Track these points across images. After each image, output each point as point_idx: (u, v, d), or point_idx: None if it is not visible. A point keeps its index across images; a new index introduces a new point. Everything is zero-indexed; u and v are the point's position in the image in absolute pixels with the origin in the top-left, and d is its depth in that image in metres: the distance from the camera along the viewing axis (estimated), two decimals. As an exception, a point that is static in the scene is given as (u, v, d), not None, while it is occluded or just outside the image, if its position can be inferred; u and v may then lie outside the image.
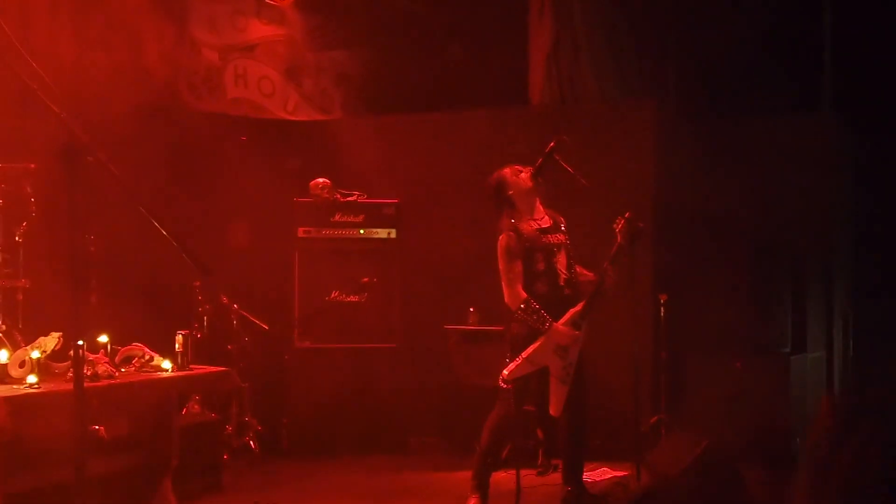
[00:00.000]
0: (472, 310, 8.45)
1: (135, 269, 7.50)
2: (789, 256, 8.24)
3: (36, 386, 5.14)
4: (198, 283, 7.63)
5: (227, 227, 8.59)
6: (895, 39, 8.66)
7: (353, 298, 8.42)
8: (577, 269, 6.51)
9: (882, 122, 8.83)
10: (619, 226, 6.34)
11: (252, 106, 9.20)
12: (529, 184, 6.41)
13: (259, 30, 9.28)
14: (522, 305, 6.20)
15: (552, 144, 6.45)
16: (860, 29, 8.85)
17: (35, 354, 5.29)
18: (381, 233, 8.50)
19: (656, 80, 9.08)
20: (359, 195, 8.52)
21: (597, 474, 7.44)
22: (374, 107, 9.51)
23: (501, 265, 6.31)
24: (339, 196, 8.44)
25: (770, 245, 8.19)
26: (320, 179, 8.43)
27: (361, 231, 8.47)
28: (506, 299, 6.30)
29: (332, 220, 8.44)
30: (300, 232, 8.41)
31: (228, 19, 9.08)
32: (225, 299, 7.93)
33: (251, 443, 7.94)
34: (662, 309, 7.95)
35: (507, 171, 6.48)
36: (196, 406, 7.22)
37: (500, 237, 6.34)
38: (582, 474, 6.70)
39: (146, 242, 7.45)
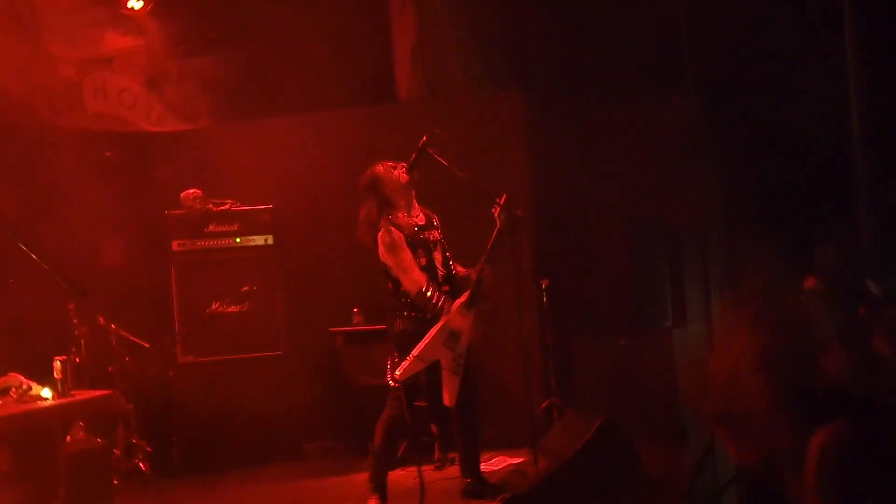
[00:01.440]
0: (355, 310, 8.40)
1: (2, 296, 7.25)
2: (664, 233, 8.41)
3: None
4: (72, 306, 7.37)
5: (98, 245, 8.36)
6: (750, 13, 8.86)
7: (234, 308, 8.26)
8: (454, 266, 6.52)
9: (741, 96, 9.02)
10: (497, 211, 6.35)
11: (114, 119, 8.94)
12: (404, 179, 6.40)
13: (116, 41, 9.01)
14: (423, 289, 6.19)
15: (424, 139, 6.44)
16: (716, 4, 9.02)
17: None
18: (258, 240, 8.35)
19: (523, 68, 9.11)
20: (232, 203, 8.36)
21: (494, 463, 7.47)
22: (240, 112, 9.33)
23: (390, 259, 6.27)
24: (211, 206, 8.27)
25: (645, 223, 8.35)
26: (191, 190, 8.25)
27: (238, 239, 8.31)
28: (405, 286, 6.26)
29: (206, 230, 8.25)
30: (174, 245, 8.20)
31: (83, 32, 8.78)
32: (102, 320, 7.70)
33: (141, 465, 7.73)
34: (545, 294, 8.01)
35: (380, 167, 6.45)
36: (80, 433, 6.94)
37: (380, 234, 6.30)
38: (479, 464, 6.73)
39: (11, 267, 7.29)
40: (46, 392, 5.65)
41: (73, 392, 5.87)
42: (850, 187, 8.07)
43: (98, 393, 6.10)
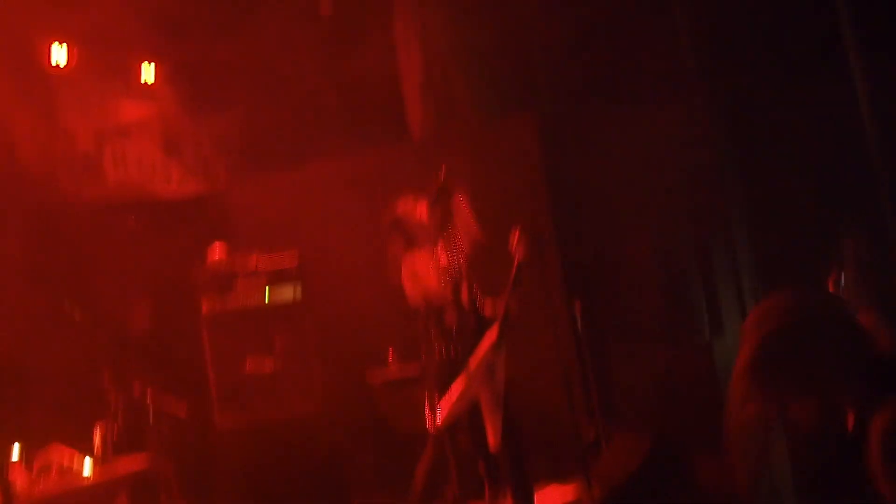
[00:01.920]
0: (390, 350, 8.34)
1: (40, 368, 7.28)
2: (694, 245, 8.33)
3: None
4: (108, 374, 7.38)
5: (129, 313, 8.38)
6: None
7: (269, 365, 8.18)
8: (480, 299, 6.47)
9: (753, 102, 8.96)
10: (514, 243, 6.30)
11: (135, 187, 9.01)
12: (426, 217, 6.38)
13: (131, 110, 9.09)
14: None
15: (442, 176, 6.44)
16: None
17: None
18: (287, 292, 8.30)
19: (530, 92, 9.12)
20: (258, 258, 8.35)
21: (546, 494, 7.37)
22: (259, 168, 9.38)
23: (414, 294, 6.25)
24: (237, 260, 8.27)
25: (672, 235, 8.27)
26: (215, 245, 8.28)
27: (267, 293, 8.28)
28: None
29: (234, 287, 8.23)
30: (204, 308, 8.16)
31: (99, 104, 8.88)
32: (137, 389, 7.68)
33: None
34: (579, 317, 7.93)
35: (404, 206, 6.42)
36: (124, 499, 6.97)
37: (402, 275, 6.30)
38: (532, 494, 6.63)
39: (48, 338, 7.35)
40: (87, 466, 5.62)
41: (112, 459, 5.85)
42: (871, 183, 7.96)
43: (138, 460, 6.08)
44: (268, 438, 8.02)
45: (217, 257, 8.25)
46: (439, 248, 6.45)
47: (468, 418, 6.42)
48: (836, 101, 8.26)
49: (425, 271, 6.27)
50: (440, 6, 9.17)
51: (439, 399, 6.16)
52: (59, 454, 5.59)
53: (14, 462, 5.35)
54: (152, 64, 9.08)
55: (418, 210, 6.44)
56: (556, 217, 8.19)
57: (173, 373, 8.17)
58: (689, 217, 8.39)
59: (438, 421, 6.10)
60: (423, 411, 6.44)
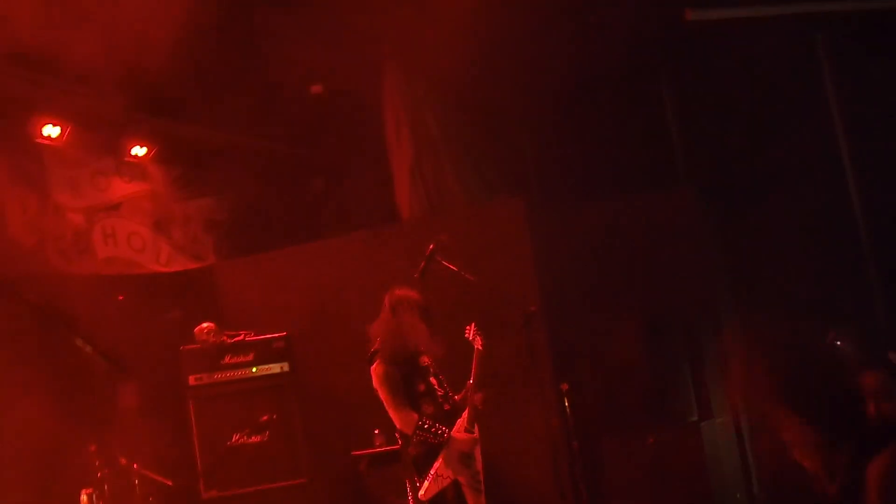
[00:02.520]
0: (377, 432, 8.32)
1: (23, 440, 7.22)
2: (680, 326, 8.40)
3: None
4: (93, 448, 7.31)
5: (115, 387, 8.35)
6: (737, 112, 9.07)
7: (254, 439, 8.17)
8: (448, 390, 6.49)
9: (734, 189, 9.17)
10: (470, 333, 6.35)
11: (125, 263, 9.06)
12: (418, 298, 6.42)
13: (122, 188, 9.22)
14: (418, 424, 6.14)
15: (432, 246, 6.53)
16: (702, 105, 9.25)
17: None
18: (275, 368, 8.33)
19: (517, 177, 9.28)
20: (246, 334, 8.39)
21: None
22: (247, 248, 9.46)
23: (382, 393, 6.26)
24: (225, 338, 8.29)
25: (659, 317, 8.35)
26: (205, 324, 8.29)
27: (254, 369, 8.30)
28: (398, 426, 6.24)
29: (222, 362, 8.25)
30: (191, 380, 8.19)
31: (90, 181, 9.00)
32: (123, 460, 7.61)
33: None
34: (566, 398, 7.95)
35: (400, 293, 6.44)
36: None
37: (374, 366, 6.31)
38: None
39: (30, 410, 7.30)
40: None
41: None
42: (858, 260, 8.11)
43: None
44: (253, 510, 7.97)
45: (205, 334, 8.25)
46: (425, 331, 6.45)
47: (454, 496, 6.38)
48: (827, 198, 8.47)
49: (391, 369, 6.26)
50: (430, 90, 9.35)
51: (420, 479, 6.15)
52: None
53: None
54: (143, 145, 9.22)
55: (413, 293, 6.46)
56: (544, 299, 8.25)
57: (160, 445, 8.13)
58: (676, 300, 8.48)
59: (422, 496, 6.07)
60: (407, 490, 6.41)
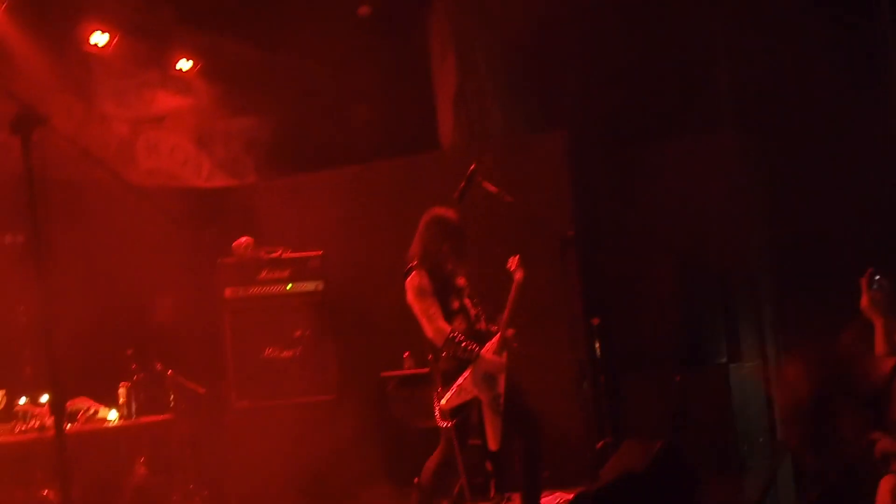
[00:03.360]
0: (406, 355, 8.43)
1: (64, 340, 7.33)
2: (714, 269, 8.40)
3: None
4: (130, 351, 7.46)
5: (154, 294, 8.48)
6: (784, 55, 8.99)
7: (287, 354, 8.34)
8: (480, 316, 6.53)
9: (779, 134, 9.11)
10: (513, 265, 6.38)
11: (166, 175, 9.16)
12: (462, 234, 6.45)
13: (167, 101, 9.28)
14: (450, 338, 6.18)
15: (473, 167, 6.54)
16: (753, 45, 9.16)
17: (-24, 413, 5.16)
18: (309, 286, 8.46)
19: (561, 111, 9.25)
20: (283, 251, 8.48)
21: (552, 500, 7.40)
22: (287, 168, 9.51)
23: (417, 305, 6.25)
24: (263, 253, 8.39)
25: (695, 260, 8.35)
26: (243, 239, 8.39)
27: (289, 286, 8.42)
28: (429, 335, 6.24)
29: (258, 277, 8.39)
30: (227, 293, 8.33)
31: (136, 92, 9.06)
32: (159, 366, 7.76)
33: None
34: (596, 333, 8.00)
35: (449, 212, 6.47)
36: (142, 468, 7.03)
37: (410, 278, 6.32)
38: (540, 497, 6.65)
39: (74, 311, 7.43)
40: (112, 414, 5.71)
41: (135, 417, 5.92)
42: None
43: (161, 417, 6.15)
44: (280, 421, 8.11)
45: (243, 248, 8.35)
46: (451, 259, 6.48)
47: (478, 418, 6.45)
48: (872, 141, 8.40)
49: (427, 281, 6.29)
50: (477, 19, 9.32)
51: (444, 393, 6.21)
52: (85, 404, 5.66)
53: (42, 404, 5.42)
54: (189, 59, 9.28)
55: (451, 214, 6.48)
56: (580, 234, 8.26)
57: (194, 355, 8.29)
58: (712, 243, 8.47)
59: (443, 405, 6.13)
60: (435, 410, 6.47)
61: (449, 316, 6.28)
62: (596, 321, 8.02)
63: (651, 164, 8.67)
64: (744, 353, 8.35)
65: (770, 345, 8.89)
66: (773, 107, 9.09)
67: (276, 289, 8.41)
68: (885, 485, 4.45)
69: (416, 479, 6.48)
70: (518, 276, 6.34)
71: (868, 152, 8.49)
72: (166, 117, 9.29)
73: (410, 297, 6.29)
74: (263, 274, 8.40)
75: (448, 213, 6.47)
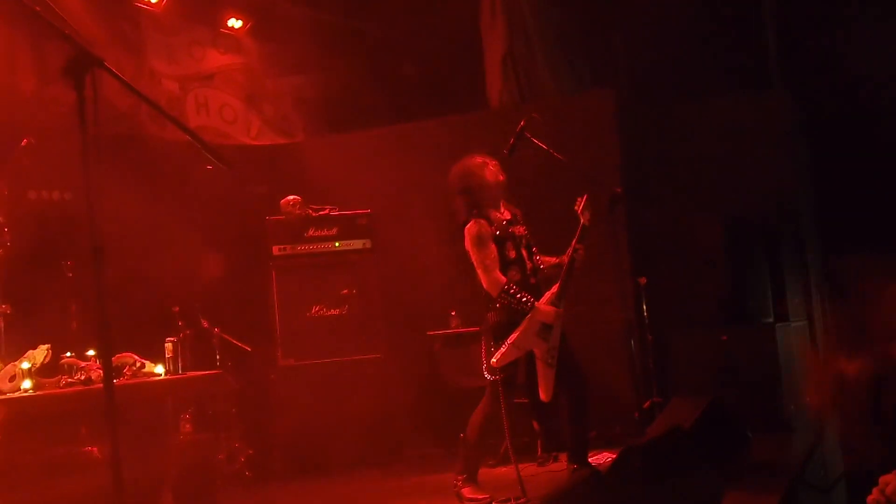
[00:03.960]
0: (453, 313, 8.45)
1: (111, 297, 7.41)
2: (762, 228, 8.32)
3: (30, 391, 5.05)
4: (177, 309, 7.51)
5: (201, 251, 8.54)
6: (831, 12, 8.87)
7: (334, 312, 8.37)
8: (540, 258, 6.51)
9: (827, 92, 9.00)
10: (580, 206, 6.36)
11: (215, 133, 9.19)
12: (498, 178, 6.42)
13: (216, 59, 9.32)
14: (505, 288, 6.17)
15: (523, 123, 6.52)
16: (800, 5, 9.05)
17: (25, 365, 5.22)
18: (357, 244, 8.48)
19: (608, 72, 9.19)
20: (330, 209, 8.51)
21: (599, 459, 7.39)
22: (335, 127, 9.53)
23: (475, 253, 6.24)
24: (310, 211, 8.42)
25: (742, 218, 8.28)
26: (291, 197, 8.42)
27: (336, 244, 8.44)
28: (485, 285, 6.23)
29: (306, 235, 8.41)
30: (275, 250, 8.36)
31: (186, 50, 9.10)
32: (205, 323, 7.84)
33: (245, 470, 7.83)
34: (643, 292, 7.97)
35: (475, 161, 6.47)
36: (188, 425, 7.10)
37: (469, 225, 6.29)
38: (587, 452, 6.64)
39: (122, 268, 7.49)
40: (159, 369, 5.77)
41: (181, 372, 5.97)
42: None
43: (208, 372, 6.20)
44: (326, 379, 8.18)
45: (290, 206, 8.38)
46: (502, 208, 6.47)
47: (526, 375, 6.45)
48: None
49: (487, 227, 6.27)
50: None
51: (497, 346, 6.20)
52: (131, 359, 5.72)
53: (88, 358, 5.48)
54: (239, 18, 9.31)
55: (488, 169, 6.45)
56: (628, 193, 8.21)
57: (241, 313, 8.35)
58: (760, 203, 8.39)
59: (494, 363, 6.14)
60: (481, 369, 6.47)
61: (505, 264, 6.27)
62: (643, 280, 7.98)
63: (698, 121, 8.62)
64: (791, 313, 8.27)
65: (817, 304, 8.81)
66: (820, 63, 8.97)
67: (323, 247, 8.43)
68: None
69: (461, 435, 6.52)
70: (584, 217, 6.31)
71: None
72: (216, 75, 9.32)
73: (468, 244, 6.28)
74: (311, 232, 8.42)
75: (464, 162, 6.47)
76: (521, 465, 6.35)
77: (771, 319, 8.08)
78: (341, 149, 9.06)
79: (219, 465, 7.55)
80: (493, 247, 6.25)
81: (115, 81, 8.19)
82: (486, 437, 6.43)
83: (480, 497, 6.31)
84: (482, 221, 6.28)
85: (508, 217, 6.45)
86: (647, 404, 7.82)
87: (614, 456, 7.39)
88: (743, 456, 6.24)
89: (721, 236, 8.26)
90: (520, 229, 6.46)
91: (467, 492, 6.36)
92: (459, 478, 6.42)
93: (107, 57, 7.71)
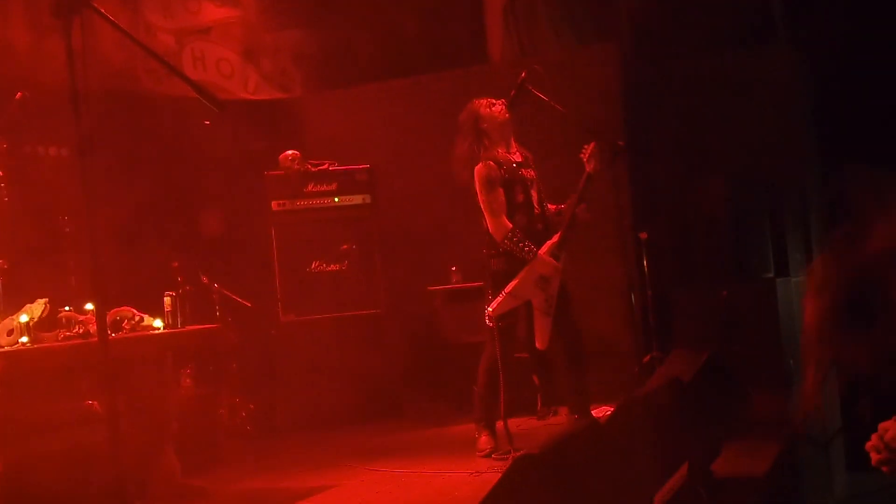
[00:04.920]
0: (453, 269, 8.42)
1: (109, 252, 7.38)
2: (763, 184, 8.28)
3: (28, 345, 5.04)
4: (176, 264, 7.48)
5: (199, 207, 8.51)
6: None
7: (333, 267, 8.35)
8: (548, 206, 6.49)
9: (834, 49, 8.90)
10: (587, 154, 6.33)
11: (212, 87, 9.02)
12: (505, 115, 6.39)
13: (213, 12, 9.21)
14: (509, 235, 6.16)
15: (524, 74, 6.48)
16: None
17: (23, 318, 5.19)
18: (356, 199, 8.44)
19: (611, 25, 9.09)
20: (330, 164, 8.46)
21: (599, 412, 7.39)
22: (334, 82, 9.45)
23: (483, 195, 6.24)
24: (309, 166, 8.37)
25: (743, 174, 8.23)
26: (290, 151, 8.37)
27: (336, 199, 8.41)
28: (490, 229, 6.25)
29: (305, 190, 8.37)
30: (274, 205, 8.32)
31: (182, 3, 9.00)
32: (205, 279, 7.82)
33: (246, 424, 7.84)
34: (644, 246, 7.94)
35: (481, 102, 6.44)
36: (188, 380, 7.10)
37: (478, 166, 6.28)
38: (588, 401, 6.65)
39: (120, 223, 7.47)
40: (158, 323, 5.75)
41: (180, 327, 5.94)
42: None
43: (207, 326, 6.18)
44: (326, 334, 8.18)
45: (289, 161, 8.33)
46: (511, 148, 6.44)
47: (525, 329, 6.45)
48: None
49: (497, 170, 6.25)
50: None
51: (495, 295, 6.20)
52: (131, 312, 5.69)
53: (87, 311, 5.44)
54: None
55: (496, 108, 6.42)
56: (630, 147, 8.16)
57: (241, 268, 8.33)
58: (762, 159, 8.34)
59: (490, 312, 6.14)
60: (483, 323, 6.48)
61: (512, 207, 6.26)
62: (644, 235, 7.95)
63: (702, 76, 8.53)
64: (791, 268, 8.25)
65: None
66: (826, 21, 8.87)
67: (323, 202, 8.39)
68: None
69: (473, 387, 6.52)
70: (590, 166, 6.29)
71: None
72: (213, 29, 9.22)
73: (477, 186, 6.27)
74: (310, 187, 8.38)
75: (471, 105, 6.44)
76: (521, 420, 6.36)
77: (772, 275, 8.06)
78: (340, 104, 9.01)
79: (220, 419, 7.56)
80: (500, 190, 6.25)
81: (108, 36, 8.17)
82: (494, 386, 6.42)
83: (484, 449, 6.33)
84: (491, 164, 6.27)
85: (519, 159, 6.43)
86: (646, 358, 7.80)
87: (614, 408, 7.42)
88: (742, 410, 6.24)
89: (723, 191, 8.22)
90: (529, 172, 6.45)
91: (481, 442, 6.39)
92: (477, 427, 6.45)
93: (101, 8, 7.64)
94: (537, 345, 6.36)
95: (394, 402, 8.27)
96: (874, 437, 2.86)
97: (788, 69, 8.70)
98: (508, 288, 6.17)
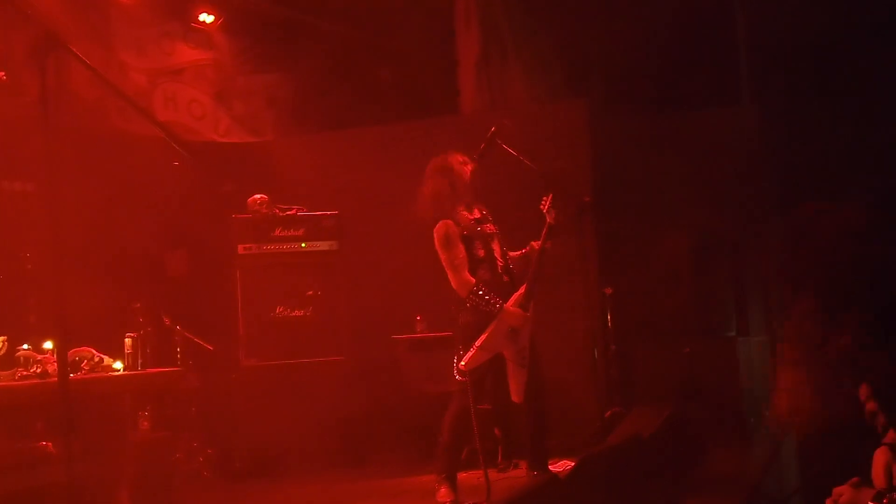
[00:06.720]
0: (418, 318, 8.41)
1: (71, 290, 7.32)
2: (726, 244, 8.39)
3: (-16, 384, 4.98)
4: (138, 305, 7.43)
5: (165, 248, 8.46)
6: (806, 30, 8.91)
7: (298, 313, 8.29)
8: (510, 255, 6.52)
9: (797, 110, 9.05)
10: (546, 205, 6.37)
11: (183, 129, 9.10)
12: (472, 178, 6.43)
13: (186, 54, 9.24)
14: (473, 290, 6.16)
15: (493, 129, 6.51)
16: (773, 23, 9.09)
17: (-20, 357, 5.14)
18: (323, 245, 8.39)
19: (583, 81, 9.20)
20: (298, 209, 8.44)
21: (559, 466, 7.38)
22: (305, 127, 9.48)
23: (443, 253, 6.25)
24: (277, 211, 8.35)
25: (708, 233, 8.33)
26: (258, 196, 8.34)
27: (303, 244, 8.36)
28: (454, 286, 6.24)
29: (272, 234, 8.31)
30: (240, 249, 8.24)
31: (155, 43, 9.03)
32: (167, 320, 7.77)
33: (203, 470, 7.75)
34: (608, 302, 7.99)
35: (456, 157, 6.47)
36: (146, 423, 7.02)
37: (437, 226, 6.29)
38: (548, 459, 6.64)
39: (83, 262, 7.40)
40: (118, 364, 5.69)
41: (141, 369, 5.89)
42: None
43: (169, 369, 6.13)
44: (288, 380, 8.09)
45: (258, 205, 8.31)
46: (472, 207, 6.47)
47: (492, 380, 6.44)
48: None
49: (455, 228, 6.27)
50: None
51: (466, 349, 6.19)
52: (90, 353, 5.64)
53: (45, 351, 5.38)
54: (211, 13, 9.24)
55: (466, 168, 6.46)
56: (597, 202, 8.23)
57: (205, 311, 8.26)
58: (726, 218, 8.45)
59: (463, 366, 6.12)
60: (447, 374, 6.46)
61: (474, 263, 6.26)
62: (609, 291, 8.01)
63: (669, 134, 8.65)
64: (752, 328, 8.34)
65: (778, 321, 8.87)
66: (792, 81, 9.03)
67: (289, 247, 8.35)
68: (878, 458, 4.36)
69: (437, 438, 6.48)
70: (550, 216, 6.32)
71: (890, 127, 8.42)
72: (185, 70, 9.24)
73: (437, 245, 6.27)
74: (278, 231, 8.33)
75: (446, 157, 6.47)
76: (482, 472, 6.31)
77: (733, 333, 8.15)
78: (311, 149, 9.03)
79: (177, 463, 7.48)
80: (461, 247, 6.25)
81: (81, 74, 8.15)
82: (459, 439, 6.39)
83: (444, 501, 6.28)
84: (449, 222, 6.28)
85: (477, 216, 6.45)
86: (608, 414, 7.83)
87: (574, 464, 7.42)
88: (701, 467, 6.27)
89: (687, 250, 8.31)
90: (489, 227, 6.46)
91: (441, 494, 6.33)
92: (438, 478, 6.40)
93: (74, 47, 7.64)
94: (513, 397, 6.34)
95: (355, 450, 8.19)
96: (828, 501, 2.91)
97: (753, 129, 8.84)
98: (479, 342, 6.16)
